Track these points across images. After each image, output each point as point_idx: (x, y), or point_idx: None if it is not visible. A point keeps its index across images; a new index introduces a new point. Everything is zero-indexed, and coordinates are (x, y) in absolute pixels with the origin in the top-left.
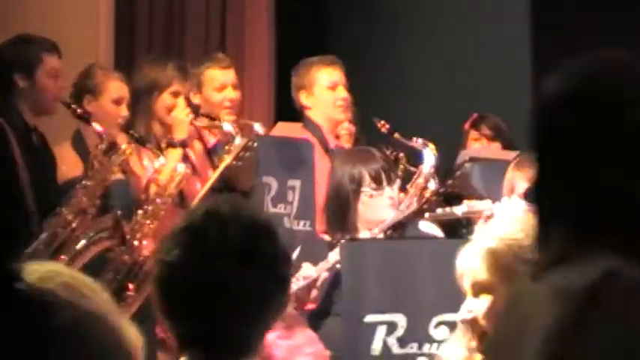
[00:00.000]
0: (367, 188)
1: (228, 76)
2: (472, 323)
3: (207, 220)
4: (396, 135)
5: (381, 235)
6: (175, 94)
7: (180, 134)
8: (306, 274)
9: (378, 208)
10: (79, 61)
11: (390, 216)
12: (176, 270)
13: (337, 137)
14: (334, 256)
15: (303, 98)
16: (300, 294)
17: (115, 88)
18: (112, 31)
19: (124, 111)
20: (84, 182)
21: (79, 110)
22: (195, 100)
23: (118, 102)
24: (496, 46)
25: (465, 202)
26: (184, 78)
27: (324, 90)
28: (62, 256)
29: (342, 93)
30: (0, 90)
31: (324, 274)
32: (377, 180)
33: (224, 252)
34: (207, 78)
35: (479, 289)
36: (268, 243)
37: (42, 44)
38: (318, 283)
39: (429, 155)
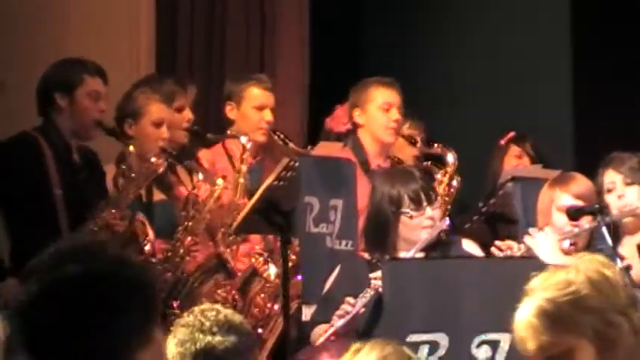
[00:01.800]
0: (407, 209)
1: (269, 98)
2: None
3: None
4: (418, 144)
5: (423, 255)
6: (180, 109)
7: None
8: (345, 311)
9: (418, 228)
10: (120, 84)
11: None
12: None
13: (385, 160)
14: (372, 290)
15: (356, 116)
16: (341, 331)
17: (156, 110)
18: (153, 54)
19: (164, 133)
20: (110, 196)
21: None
22: (231, 115)
23: (158, 124)
24: (535, 63)
25: (494, 246)
26: (185, 90)
27: (378, 109)
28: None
29: (395, 115)
30: (41, 108)
31: (362, 310)
32: (416, 201)
33: (51, 294)
34: (249, 95)
35: (549, 353)
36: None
37: (85, 66)
38: (361, 312)
39: (451, 159)
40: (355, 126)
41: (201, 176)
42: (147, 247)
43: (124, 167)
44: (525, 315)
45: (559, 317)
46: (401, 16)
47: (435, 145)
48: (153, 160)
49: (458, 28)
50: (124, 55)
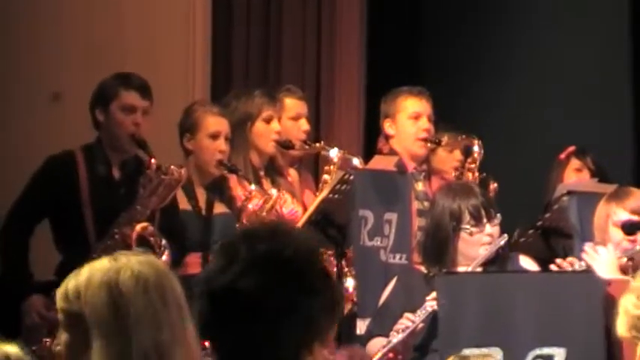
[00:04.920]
0: (467, 226)
1: (303, 107)
2: None
3: (241, 238)
4: (443, 143)
5: (479, 269)
6: (268, 120)
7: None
8: (405, 326)
9: (477, 245)
10: (174, 100)
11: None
12: (209, 285)
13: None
14: (431, 303)
15: (387, 126)
16: (399, 346)
17: (212, 123)
18: (208, 70)
19: (222, 145)
20: (134, 207)
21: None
22: None
23: (214, 137)
24: (595, 79)
25: (554, 264)
26: (273, 102)
27: (407, 119)
28: None
29: (425, 124)
30: (93, 124)
31: (422, 324)
32: (476, 217)
33: (251, 266)
34: (284, 107)
35: None
36: (301, 260)
37: (123, 80)
38: (419, 327)
39: (477, 148)
40: (387, 137)
41: (253, 187)
42: (163, 258)
43: (142, 180)
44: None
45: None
46: (457, 31)
47: (460, 137)
48: (172, 168)
49: (519, 37)
50: (179, 68)
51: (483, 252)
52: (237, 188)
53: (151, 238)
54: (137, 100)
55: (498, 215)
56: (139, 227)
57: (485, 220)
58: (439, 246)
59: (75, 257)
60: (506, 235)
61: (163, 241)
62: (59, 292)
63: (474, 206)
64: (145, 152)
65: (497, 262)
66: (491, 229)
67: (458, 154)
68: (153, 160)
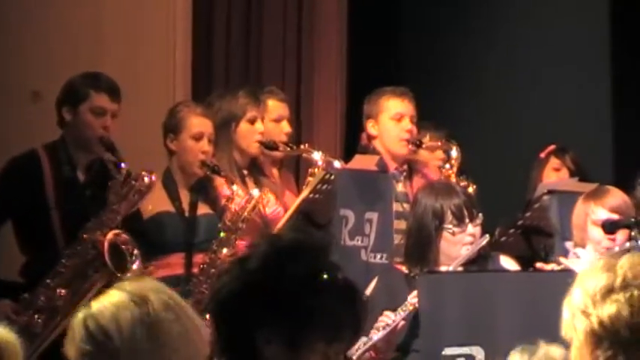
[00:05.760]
0: (449, 225)
1: (286, 109)
2: None
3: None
4: (424, 145)
5: (460, 269)
6: (252, 121)
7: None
8: (385, 323)
9: (459, 244)
10: (155, 98)
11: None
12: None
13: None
14: (412, 300)
15: (369, 127)
16: (380, 344)
17: (196, 123)
18: (188, 68)
19: (205, 146)
20: (105, 212)
21: (113, 156)
22: None
23: (197, 138)
24: (575, 79)
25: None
26: (257, 102)
27: (389, 120)
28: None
29: (407, 125)
30: (58, 122)
31: (403, 322)
32: (459, 217)
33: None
34: (267, 108)
35: None
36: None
37: (94, 81)
38: (398, 327)
39: (455, 153)
40: (370, 137)
41: (235, 187)
42: (134, 266)
43: (112, 185)
44: None
45: None
46: (436, 30)
47: (439, 142)
48: (143, 173)
49: (498, 36)
50: (160, 66)
51: (465, 252)
52: (224, 186)
53: (123, 246)
54: (107, 102)
55: (480, 215)
56: (111, 235)
57: (467, 220)
58: (422, 245)
59: (41, 259)
60: (487, 236)
61: (135, 250)
62: (78, 335)
63: (456, 206)
64: (113, 156)
65: (478, 261)
66: (473, 228)
67: (440, 154)
68: (123, 165)
